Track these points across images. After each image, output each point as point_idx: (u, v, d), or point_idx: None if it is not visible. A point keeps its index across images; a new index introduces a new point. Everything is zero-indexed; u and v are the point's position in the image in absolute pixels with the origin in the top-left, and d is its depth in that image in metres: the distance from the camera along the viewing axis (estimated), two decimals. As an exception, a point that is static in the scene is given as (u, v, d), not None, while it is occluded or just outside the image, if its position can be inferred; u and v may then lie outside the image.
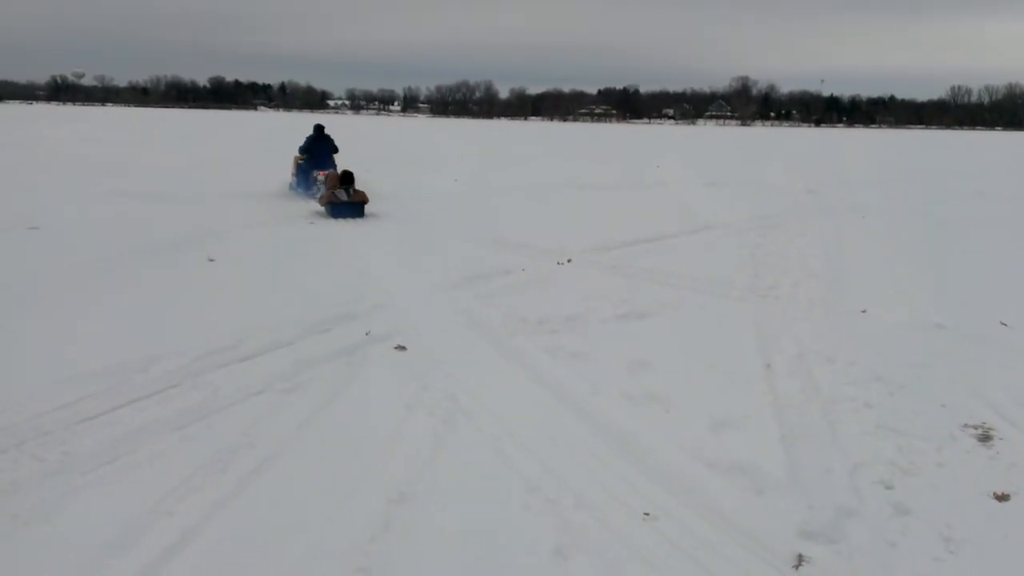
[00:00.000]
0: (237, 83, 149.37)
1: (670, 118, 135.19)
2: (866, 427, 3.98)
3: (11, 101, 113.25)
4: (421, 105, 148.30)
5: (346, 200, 10.84)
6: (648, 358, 4.92)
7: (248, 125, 53.34)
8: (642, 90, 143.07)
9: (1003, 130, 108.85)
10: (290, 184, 13.46)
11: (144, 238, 8.56)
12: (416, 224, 10.39)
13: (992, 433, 3.94)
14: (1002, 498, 3.31)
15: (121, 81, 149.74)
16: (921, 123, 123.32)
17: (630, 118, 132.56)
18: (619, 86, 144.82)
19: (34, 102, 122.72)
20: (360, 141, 31.29)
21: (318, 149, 12.95)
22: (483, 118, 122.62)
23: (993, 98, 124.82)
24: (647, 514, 3.11)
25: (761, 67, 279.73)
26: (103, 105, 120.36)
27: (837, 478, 3.44)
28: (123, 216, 10.13)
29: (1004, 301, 6.59)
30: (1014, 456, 3.69)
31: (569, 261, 7.91)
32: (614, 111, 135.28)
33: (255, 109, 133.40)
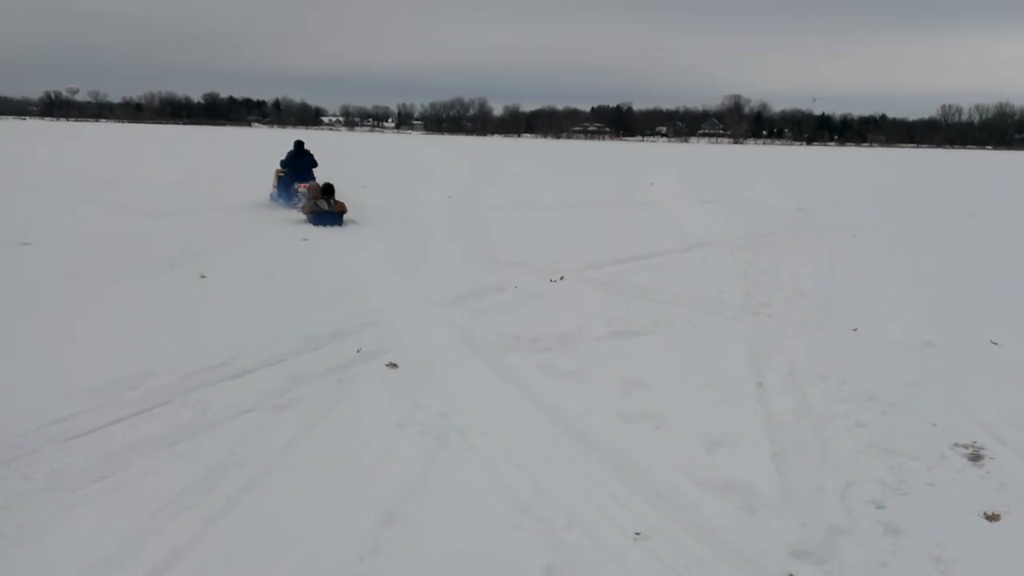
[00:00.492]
0: (231, 99, 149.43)
1: (663, 135, 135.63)
2: (858, 446, 4.00)
3: (4, 117, 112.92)
4: (415, 122, 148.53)
5: (327, 209, 11.59)
6: (642, 376, 4.93)
7: (242, 140, 53.40)
8: (635, 108, 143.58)
9: (993, 149, 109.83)
10: (271, 195, 14.09)
11: (136, 253, 8.55)
12: (409, 240, 10.42)
13: (983, 452, 3.96)
14: (992, 518, 3.31)
15: (115, 97, 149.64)
16: (912, 142, 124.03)
17: (623, 135, 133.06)
18: (612, 104, 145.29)
19: (27, 118, 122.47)
20: (354, 158, 31.27)
21: (298, 163, 13.74)
22: (477, 135, 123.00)
23: (983, 117, 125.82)
24: (638, 534, 3.11)
25: (753, 85, 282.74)
26: (97, 121, 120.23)
27: (829, 497, 3.45)
28: (116, 231, 10.12)
29: (995, 320, 6.65)
30: (1004, 476, 3.70)
31: (562, 278, 7.93)
32: (607, 128, 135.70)
33: (249, 125, 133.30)
